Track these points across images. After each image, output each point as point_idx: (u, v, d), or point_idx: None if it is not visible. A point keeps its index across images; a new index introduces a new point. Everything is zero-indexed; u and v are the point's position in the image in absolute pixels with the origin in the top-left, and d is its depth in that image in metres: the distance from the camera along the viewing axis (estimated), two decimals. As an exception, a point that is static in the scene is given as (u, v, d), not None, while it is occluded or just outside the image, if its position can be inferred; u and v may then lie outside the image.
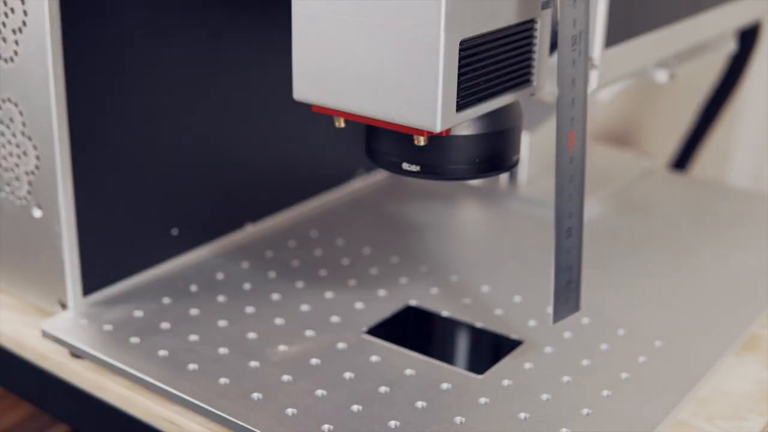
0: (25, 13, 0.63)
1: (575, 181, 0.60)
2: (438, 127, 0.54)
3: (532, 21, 0.59)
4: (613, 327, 0.70)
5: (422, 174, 0.60)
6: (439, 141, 0.58)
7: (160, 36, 0.70)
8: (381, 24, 0.54)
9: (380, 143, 0.61)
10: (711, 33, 0.80)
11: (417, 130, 0.56)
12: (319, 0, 0.56)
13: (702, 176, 1.15)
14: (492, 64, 0.57)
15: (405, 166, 0.60)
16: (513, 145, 0.61)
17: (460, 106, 0.55)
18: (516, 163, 0.62)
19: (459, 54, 0.54)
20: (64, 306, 0.69)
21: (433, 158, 0.59)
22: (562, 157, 0.60)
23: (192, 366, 0.64)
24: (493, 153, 0.60)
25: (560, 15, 0.57)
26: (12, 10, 0.64)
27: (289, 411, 0.60)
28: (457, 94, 0.54)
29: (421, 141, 0.57)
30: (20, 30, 0.64)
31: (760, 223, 0.87)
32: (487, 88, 0.57)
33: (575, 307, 0.63)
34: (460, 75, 0.54)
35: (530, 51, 0.59)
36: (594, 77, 0.65)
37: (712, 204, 0.92)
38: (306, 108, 0.59)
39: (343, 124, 0.60)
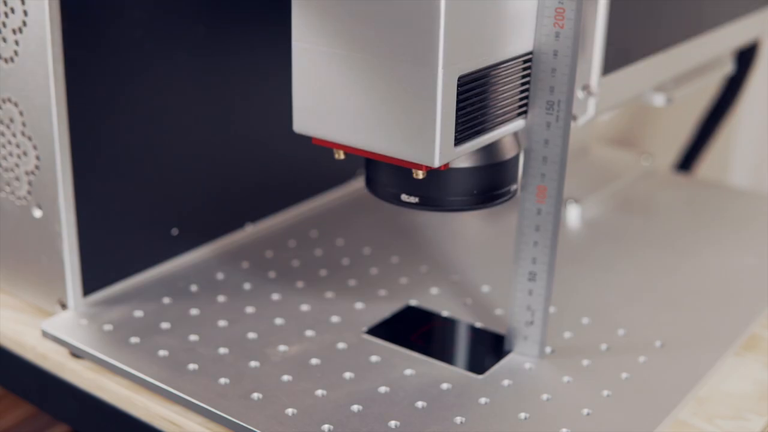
0: (25, 13, 0.64)
1: (544, 233, 0.61)
2: (436, 163, 0.54)
3: (529, 54, 0.59)
4: (613, 327, 0.70)
5: (421, 206, 0.60)
6: (437, 174, 0.59)
7: (160, 36, 0.70)
8: (379, 59, 0.54)
9: (379, 175, 0.61)
10: (708, 56, 0.80)
11: (416, 164, 0.56)
12: (318, 35, 0.56)
13: (702, 176, 1.15)
14: (490, 98, 0.57)
15: (404, 197, 0.60)
16: (511, 175, 0.62)
17: (459, 141, 0.55)
18: (514, 194, 0.62)
19: (457, 89, 0.54)
20: (64, 306, 0.69)
21: (432, 191, 0.60)
22: (527, 203, 0.62)
23: (192, 366, 0.64)
24: (492, 185, 0.61)
25: (533, 80, 0.59)
26: (12, 10, 0.64)
27: (289, 411, 0.60)
28: (456, 129, 0.55)
29: (420, 175, 0.57)
30: (20, 30, 0.64)
31: (760, 223, 0.87)
32: (486, 121, 0.57)
33: (535, 350, 0.65)
34: (458, 110, 0.54)
35: (528, 83, 0.60)
36: (591, 105, 0.65)
37: (712, 204, 0.92)
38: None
39: (342, 156, 0.60)
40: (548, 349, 0.67)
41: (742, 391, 0.64)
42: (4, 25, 0.65)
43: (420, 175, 0.57)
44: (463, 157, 0.59)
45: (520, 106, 0.60)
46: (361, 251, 0.80)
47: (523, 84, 0.59)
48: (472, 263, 0.79)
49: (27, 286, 0.72)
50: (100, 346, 0.66)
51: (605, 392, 0.62)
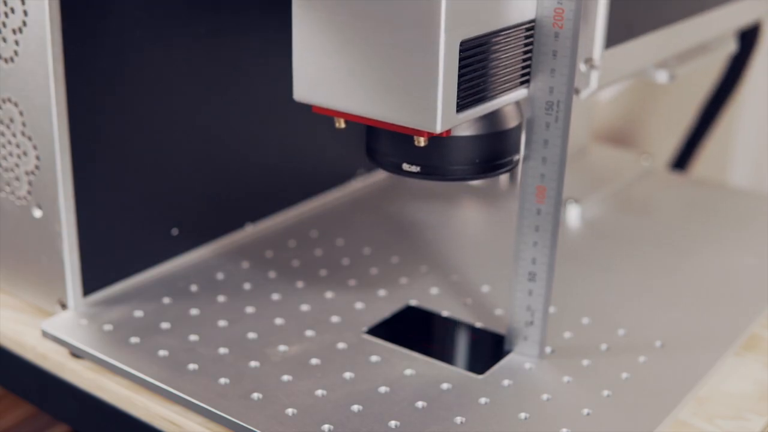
0: (25, 13, 0.64)
1: (543, 233, 0.61)
2: (438, 128, 0.54)
3: (532, 21, 0.59)
4: (613, 327, 0.70)
5: (422, 175, 0.60)
6: (439, 141, 0.58)
7: (160, 36, 0.70)
8: (381, 25, 0.54)
9: (380, 144, 0.61)
10: (711, 34, 0.80)
11: (417, 130, 0.56)
12: (319, 1, 0.55)
13: (702, 176, 1.15)
14: (492, 65, 0.57)
15: (405, 166, 0.60)
16: (513, 145, 0.61)
17: (461, 107, 0.55)
18: (516, 164, 0.62)
19: (459, 55, 0.54)
20: (64, 306, 0.69)
21: (434, 159, 0.59)
22: (527, 204, 0.62)
23: (192, 366, 0.64)
24: (494, 153, 0.60)
25: (533, 80, 0.59)
26: (12, 10, 0.64)
27: (289, 411, 0.60)
28: (457, 95, 0.54)
29: (422, 142, 0.57)
30: (20, 30, 0.64)
31: (760, 223, 0.87)
32: (488, 88, 0.57)
33: (535, 350, 0.65)
34: (460, 76, 0.54)
35: (531, 52, 0.59)
36: (594, 78, 0.65)
37: (712, 204, 0.92)
38: (306, 108, 0.59)
39: (343, 125, 0.60)
40: (548, 349, 0.67)
41: (742, 391, 0.64)
42: (4, 25, 0.65)
43: (422, 142, 0.57)
44: (465, 125, 0.58)
45: (523, 75, 0.59)
46: (361, 251, 0.80)
47: (525, 53, 0.59)
48: (472, 263, 0.79)
49: (27, 286, 0.72)
50: (100, 346, 0.66)
51: (605, 392, 0.62)
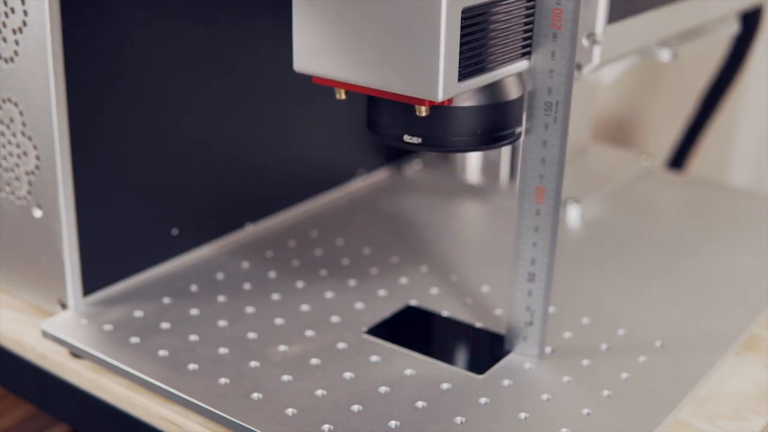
0: (25, 13, 0.63)
1: (543, 234, 0.61)
2: (440, 97, 0.53)
3: None
4: (613, 327, 0.70)
5: (424, 146, 0.59)
6: (440, 112, 0.58)
7: (160, 36, 0.70)
8: None
9: (381, 115, 0.60)
10: (713, 14, 0.80)
11: (418, 99, 0.55)
12: None
13: (701, 176, 1.15)
14: (493, 34, 0.57)
15: (407, 138, 0.60)
16: (515, 117, 0.61)
17: (462, 76, 0.55)
18: (518, 136, 0.62)
19: (461, 23, 0.53)
20: (64, 306, 0.69)
21: (435, 130, 0.59)
22: (526, 204, 0.62)
23: (192, 366, 0.64)
24: (496, 125, 0.60)
25: (533, 81, 0.59)
26: (12, 10, 0.64)
27: (289, 411, 0.60)
28: (459, 63, 0.54)
29: (423, 112, 0.56)
30: (20, 30, 0.64)
31: (760, 223, 0.87)
32: (489, 58, 0.57)
33: (535, 350, 0.65)
34: (461, 44, 0.54)
35: (531, 23, 0.59)
36: (596, 53, 0.65)
37: (711, 204, 0.92)
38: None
39: (343, 96, 0.59)
40: (548, 349, 0.67)
41: (742, 391, 0.64)
42: (4, 25, 0.65)
43: (423, 111, 0.56)
44: (467, 95, 0.58)
45: (524, 47, 0.59)
46: (361, 251, 0.80)
47: (526, 24, 0.59)
48: (472, 263, 0.79)
49: (27, 286, 0.72)
50: (100, 346, 0.66)
51: (605, 392, 0.62)
